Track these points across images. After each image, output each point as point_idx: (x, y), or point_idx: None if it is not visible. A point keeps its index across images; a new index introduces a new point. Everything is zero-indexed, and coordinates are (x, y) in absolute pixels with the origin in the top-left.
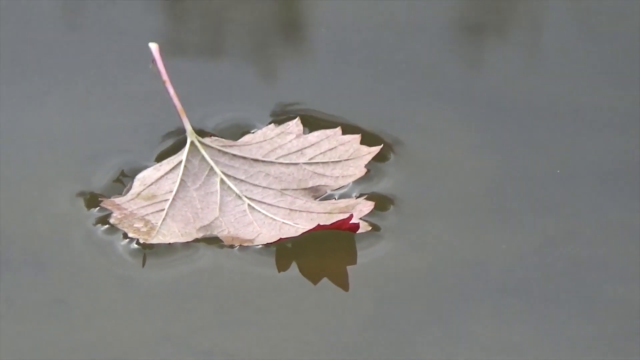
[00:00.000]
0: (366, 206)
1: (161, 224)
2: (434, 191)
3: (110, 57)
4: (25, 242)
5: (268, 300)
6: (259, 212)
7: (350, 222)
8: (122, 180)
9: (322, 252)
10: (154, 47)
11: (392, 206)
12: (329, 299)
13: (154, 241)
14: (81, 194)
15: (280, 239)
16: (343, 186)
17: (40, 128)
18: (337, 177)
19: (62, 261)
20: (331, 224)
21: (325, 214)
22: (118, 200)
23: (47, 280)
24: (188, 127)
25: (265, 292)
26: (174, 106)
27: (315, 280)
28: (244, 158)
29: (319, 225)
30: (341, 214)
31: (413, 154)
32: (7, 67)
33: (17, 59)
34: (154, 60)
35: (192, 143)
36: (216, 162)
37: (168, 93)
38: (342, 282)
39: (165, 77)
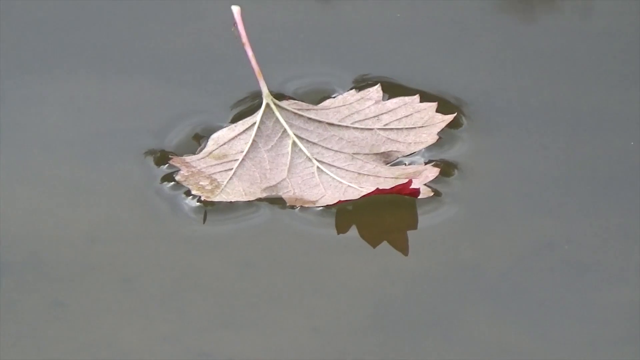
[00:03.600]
0: (432, 172)
1: (227, 182)
2: (499, 162)
3: (192, 19)
4: (90, 191)
5: (312, 259)
6: (327, 174)
7: (411, 187)
8: (199, 141)
9: (381, 216)
10: (236, 9)
11: (456, 172)
12: (380, 263)
13: (216, 199)
14: (151, 151)
15: (340, 201)
16: (414, 152)
17: (123, 89)
18: (410, 143)
19: (118, 213)
20: (391, 189)
21: (392, 179)
22: (188, 158)
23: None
24: (264, 90)
25: (319, 251)
26: (252, 69)
27: (374, 244)
28: (319, 122)
29: (377, 189)
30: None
31: (487, 123)
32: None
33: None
34: (235, 23)
35: (267, 105)
36: (290, 125)
37: (247, 55)
38: (402, 246)
39: (244, 39)
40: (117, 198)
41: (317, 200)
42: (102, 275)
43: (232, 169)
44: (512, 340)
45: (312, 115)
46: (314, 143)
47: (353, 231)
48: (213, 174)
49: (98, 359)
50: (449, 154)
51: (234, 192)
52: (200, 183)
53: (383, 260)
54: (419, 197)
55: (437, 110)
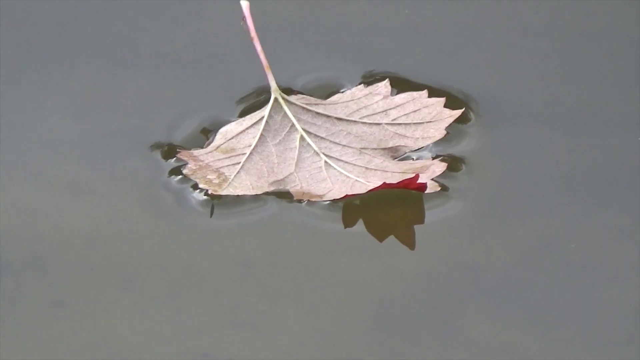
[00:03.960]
0: (439, 167)
1: (234, 176)
2: (506, 157)
3: (198, 14)
4: (102, 180)
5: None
6: (335, 169)
7: (418, 182)
8: (207, 135)
9: (388, 210)
10: (245, 4)
11: (464, 167)
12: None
13: (224, 192)
14: (159, 145)
15: (347, 195)
16: (422, 147)
17: (129, 85)
18: (418, 138)
19: (124, 208)
20: (397, 183)
21: (399, 174)
22: (196, 152)
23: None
24: (273, 84)
25: (321, 249)
26: (261, 63)
27: (381, 238)
28: (327, 116)
29: (385, 183)
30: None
31: (495, 118)
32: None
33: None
34: (244, 18)
35: (275, 100)
36: (298, 119)
37: (255, 50)
38: (408, 241)
39: (253, 34)
40: (123, 193)
41: (324, 195)
42: (104, 274)
43: (239, 162)
44: (512, 340)
45: (320, 109)
46: (322, 137)
47: (358, 226)
48: (221, 167)
49: (98, 359)
50: (456, 149)
51: (241, 185)
52: (208, 177)
53: (384, 259)
54: (426, 192)
55: (445, 106)
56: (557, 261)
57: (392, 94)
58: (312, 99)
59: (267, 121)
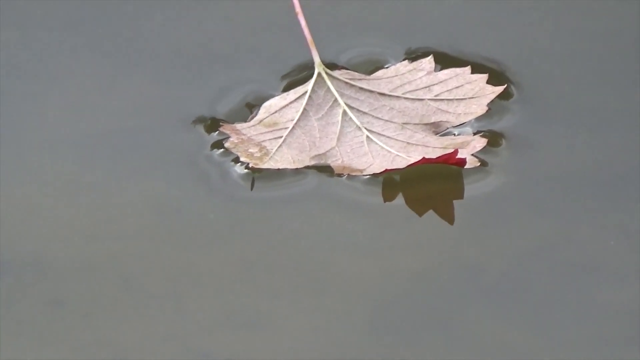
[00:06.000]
0: (479, 143)
1: (276, 150)
2: (547, 133)
3: None
4: (143, 150)
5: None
6: (376, 143)
7: (458, 157)
8: (251, 109)
9: (428, 185)
10: None
11: (504, 142)
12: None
13: (265, 166)
14: (202, 119)
15: (386, 170)
16: (464, 123)
17: (179, 59)
18: (459, 114)
19: (169, 175)
20: (437, 158)
21: (440, 149)
22: (239, 125)
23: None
24: (316, 59)
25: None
26: (305, 38)
27: (420, 212)
28: (371, 92)
29: (424, 158)
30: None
31: (537, 95)
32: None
33: None
34: None
35: (319, 74)
36: (341, 94)
37: (300, 25)
38: (447, 216)
39: (298, 8)
40: (163, 167)
41: (364, 169)
42: (104, 273)
43: (282, 136)
44: (512, 340)
45: (363, 85)
46: (364, 112)
47: (397, 200)
48: (263, 141)
49: (98, 359)
50: (497, 125)
51: (283, 159)
52: (249, 150)
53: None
54: (465, 167)
55: (488, 82)
56: (558, 260)
57: (435, 70)
58: (356, 74)
59: (310, 96)
